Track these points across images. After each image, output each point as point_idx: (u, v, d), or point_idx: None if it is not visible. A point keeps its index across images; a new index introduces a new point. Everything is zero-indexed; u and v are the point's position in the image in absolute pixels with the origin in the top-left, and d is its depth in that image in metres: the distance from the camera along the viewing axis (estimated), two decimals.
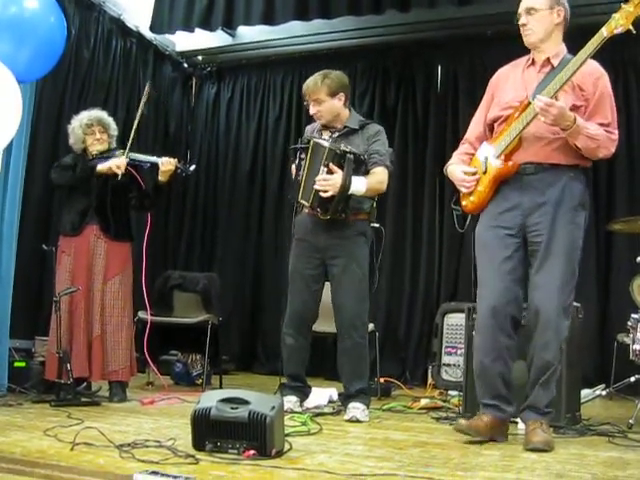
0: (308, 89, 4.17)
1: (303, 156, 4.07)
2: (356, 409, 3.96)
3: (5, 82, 3.93)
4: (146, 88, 4.71)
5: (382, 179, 4.13)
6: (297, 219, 4.27)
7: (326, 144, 3.98)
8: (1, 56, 3.96)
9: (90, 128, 4.60)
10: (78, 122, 4.64)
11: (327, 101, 4.13)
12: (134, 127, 4.56)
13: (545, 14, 3.34)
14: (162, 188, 4.66)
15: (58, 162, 4.65)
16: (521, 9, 3.39)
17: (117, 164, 4.40)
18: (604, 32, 3.03)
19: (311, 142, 4.04)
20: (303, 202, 4.07)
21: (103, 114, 4.72)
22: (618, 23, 2.98)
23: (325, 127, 4.25)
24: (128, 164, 4.47)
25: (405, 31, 6.77)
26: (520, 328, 3.40)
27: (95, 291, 4.42)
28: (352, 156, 3.94)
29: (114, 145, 4.72)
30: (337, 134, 4.18)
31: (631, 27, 2.99)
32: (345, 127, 4.20)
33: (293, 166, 4.21)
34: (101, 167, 4.43)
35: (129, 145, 4.51)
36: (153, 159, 4.58)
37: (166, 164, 4.51)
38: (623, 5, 3.01)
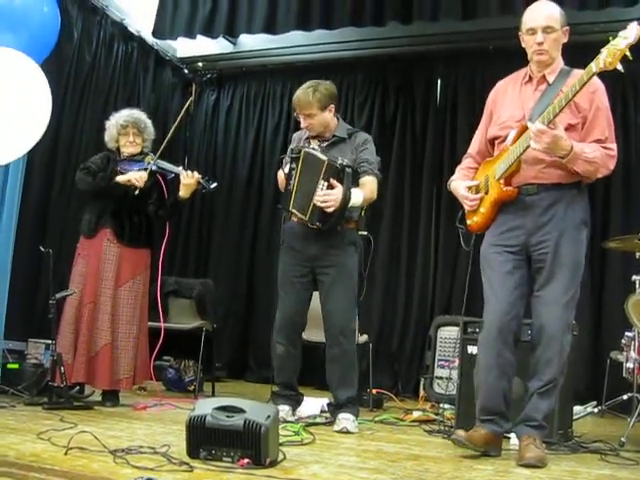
0: (300, 104, 4.13)
1: (294, 165, 4.06)
2: (346, 420, 3.96)
3: (39, 83, 3.87)
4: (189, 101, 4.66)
5: (373, 188, 4.15)
6: (286, 226, 4.26)
7: (324, 157, 3.95)
8: None
9: (125, 129, 4.53)
10: (115, 120, 4.57)
11: (318, 115, 4.13)
12: (169, 135, 4.50)
13: (560, 33, 3.32)
14: (182, 203, 4.57)
15: (85, 163, 4.53)
16: (536, 25, 3.30)
17: (137, 177, 4.33)
18: (593, 67, 2.95)
19: (302, 152, 4.04)
20: (294, 211, 4.07)
21: (141, 115, 4.62)
22: (606, 61, 2.88)
23: (313, 135, 4.24)
24: (154, 171, 4.43)
25: (406, 43, 6.78)
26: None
27: (105, 297, 4.31)
28: (350, 170, 3.95)
29: (148, 148, 4.64)
30: (325, 143, 4.18)
31: (619, 66, 2.88)
32: (334, 136, 4.20)
33: (280, 173, 4.24)
34: (121, 179, 4.37)
35: (159, 152, 4.45)
36: (178, 169, 4.50)
37: (188, 178, 4.42)
38: (612, 41, 2.89)
